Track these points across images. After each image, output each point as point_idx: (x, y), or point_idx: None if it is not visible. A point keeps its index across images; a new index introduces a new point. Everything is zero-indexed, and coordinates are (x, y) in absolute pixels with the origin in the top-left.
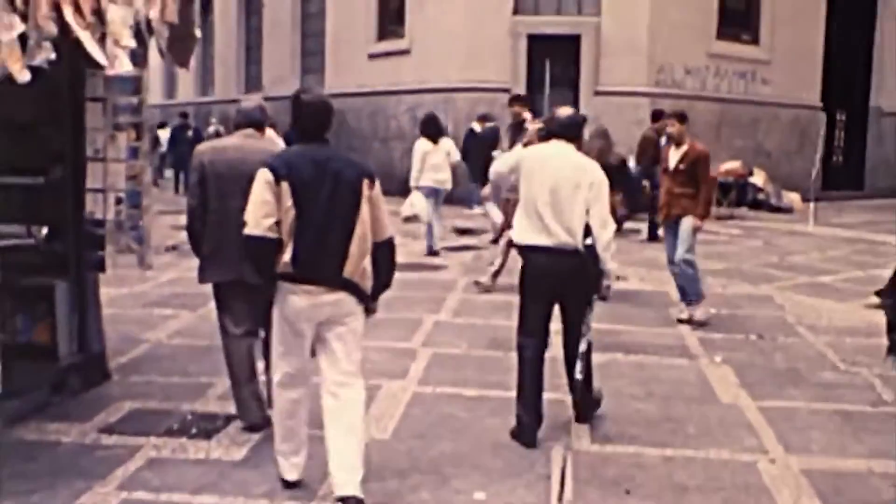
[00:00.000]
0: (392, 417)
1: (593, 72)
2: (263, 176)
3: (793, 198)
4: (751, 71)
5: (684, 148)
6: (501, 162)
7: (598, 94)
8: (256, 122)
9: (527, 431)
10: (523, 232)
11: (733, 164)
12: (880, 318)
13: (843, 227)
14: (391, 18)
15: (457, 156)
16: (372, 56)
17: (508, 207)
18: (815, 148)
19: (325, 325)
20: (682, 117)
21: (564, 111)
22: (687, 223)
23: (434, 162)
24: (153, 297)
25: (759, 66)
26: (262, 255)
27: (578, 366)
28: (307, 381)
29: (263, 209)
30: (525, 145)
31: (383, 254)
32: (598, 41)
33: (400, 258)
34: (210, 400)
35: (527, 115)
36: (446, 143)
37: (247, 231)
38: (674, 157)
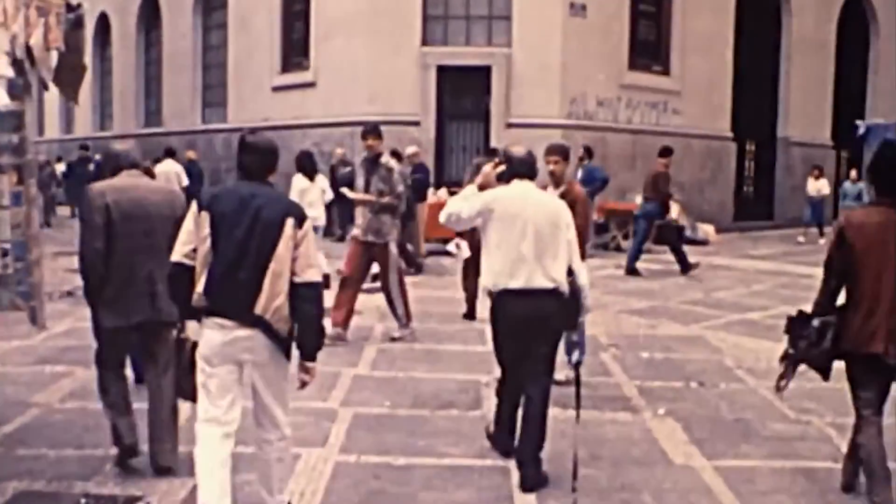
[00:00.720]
0: (314, 495)
1: (504, 103)
2: (192, 206)
3: (707, 230)
4: (662, 101)
5: (562, 189)
6: (462, 206)
7: (509, 126)
8: (136, 163)
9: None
10: (500, 276)
11: None
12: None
13: (762, 259)
14: (295, 50)
15: (331, 194)
16: (276, 89)
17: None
18: (727, 178)
19: (250, 369)
20: (566, 153)
21: (519, 150)
22: None
23: (310, 199)
24: (44, 352)
25: (670, 97)
26: (176, 280)
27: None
28: (232, 429)
29: (184, 237)
30: (481, 188)
31: (305, 295)
32: (510, 72)
33: None
34: (108, 478)
35: (384, 148)
36: (322, 181)
37: (171, 258)
38: None
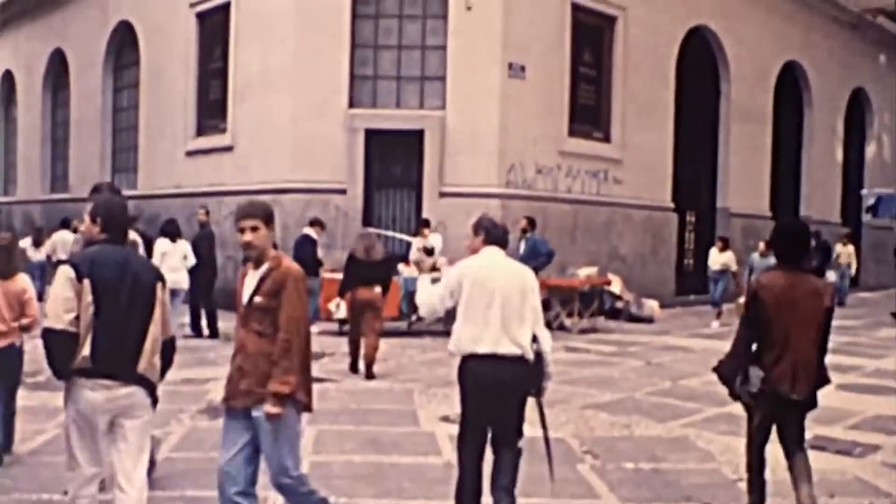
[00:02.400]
0: None
1: (438, 171)
2: (66, 273)
3: (653, 305)
4: (603, 170)
5: (266, 267)
6: (432, 299)
7: (443, 195)
8: None
9: None
10: (467, 341)
11: (590, 270)
12: (818, 458)
13: (717, 339)
14: (211, 111)
15: (192, 259)
16: (190, 153)
17: None
18: (668, 251)
19: (118, 419)
20: (268, 217)
21: (492, 218)
22: (271, 415)
23: (171, 263)
24: None
25: (610, 166)
26: (60, 348)
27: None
28: (102, 474)
29: (64, 305)
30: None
31: (168, 352)
32: (444, 137)
33: None
34: None
35: None
36: (183, 245)
37: (47, 324)
38: (249, 285)
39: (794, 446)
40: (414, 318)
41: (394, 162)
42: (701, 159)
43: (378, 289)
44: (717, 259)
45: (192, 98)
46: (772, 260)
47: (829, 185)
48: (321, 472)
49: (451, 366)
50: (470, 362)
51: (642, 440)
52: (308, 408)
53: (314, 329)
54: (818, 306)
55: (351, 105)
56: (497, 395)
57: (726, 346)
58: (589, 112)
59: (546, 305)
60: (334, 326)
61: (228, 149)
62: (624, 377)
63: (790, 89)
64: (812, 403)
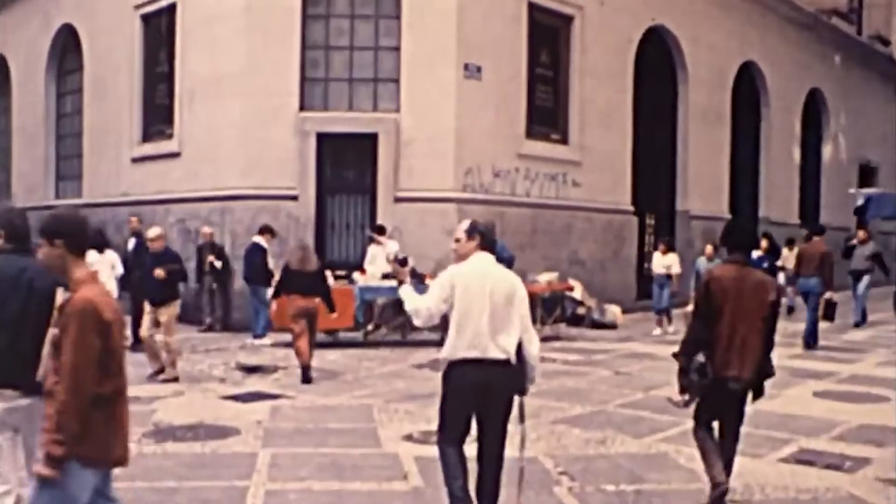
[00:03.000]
0: None
1: (393, 175)
2: None
3: (615, 311)
4: (561, 173)
5: (66, 294)
6: (426, 304)
7: (398, 200)
8: None
9: None
10: (458, 347)
11: (551, 276)
12: (808, 474)
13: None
14: (157, 116)
15: (120, 269)
16: (136, 160)
17: None
18: (629, 255)
19: (25, 437)
20: (59, 232)
21: (485, 223)
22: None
23: (100, 274)
24: None
25: (569, 168)
26: None
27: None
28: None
29: None
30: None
31: None
32: (398, 140)
33: (176, 417)
34: None
35: None
36: (111, 255)
37: None
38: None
39: (729, 433)
40: (370, 327)
41: (347, 166)
42: (660, 161)
43: (317, 299)
44: (660, 262)
45: (138, 103)
46: (719, 262)
47: (787, 186)
48: (277, 501)
49: (412, 378)
50: (457, 365)
51: (620, 458)
52: (121, 461)
53: (266, 341)
54: (763, 299)
55: (302, 108)
56: (480, 397)
57: None
58: (547, 113)
59: None
60: (287, 337)
61: (175, 155)
62: (593, 388)
63: (748, 90)
64: (758, 392)
